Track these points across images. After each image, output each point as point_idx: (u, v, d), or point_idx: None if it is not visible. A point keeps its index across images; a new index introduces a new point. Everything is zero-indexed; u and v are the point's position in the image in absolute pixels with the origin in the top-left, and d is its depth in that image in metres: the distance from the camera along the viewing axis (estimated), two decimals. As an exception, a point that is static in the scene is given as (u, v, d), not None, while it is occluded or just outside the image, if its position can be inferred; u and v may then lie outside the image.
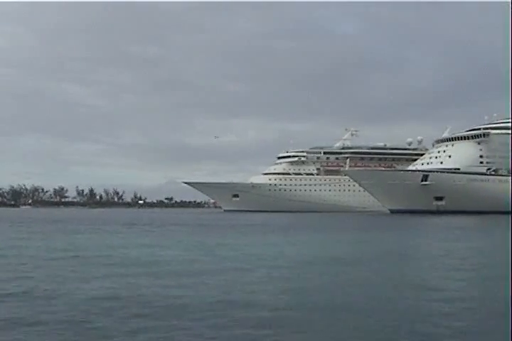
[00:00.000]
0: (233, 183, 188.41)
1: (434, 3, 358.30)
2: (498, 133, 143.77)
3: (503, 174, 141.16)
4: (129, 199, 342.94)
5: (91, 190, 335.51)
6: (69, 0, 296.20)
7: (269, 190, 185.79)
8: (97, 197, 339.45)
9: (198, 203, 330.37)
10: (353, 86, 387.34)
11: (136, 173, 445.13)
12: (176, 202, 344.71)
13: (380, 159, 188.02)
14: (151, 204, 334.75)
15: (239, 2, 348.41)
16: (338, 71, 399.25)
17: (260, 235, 50.09)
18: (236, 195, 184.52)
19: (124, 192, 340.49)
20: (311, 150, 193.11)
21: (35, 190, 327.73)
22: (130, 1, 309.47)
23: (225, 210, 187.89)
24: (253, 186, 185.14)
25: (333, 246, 38.64)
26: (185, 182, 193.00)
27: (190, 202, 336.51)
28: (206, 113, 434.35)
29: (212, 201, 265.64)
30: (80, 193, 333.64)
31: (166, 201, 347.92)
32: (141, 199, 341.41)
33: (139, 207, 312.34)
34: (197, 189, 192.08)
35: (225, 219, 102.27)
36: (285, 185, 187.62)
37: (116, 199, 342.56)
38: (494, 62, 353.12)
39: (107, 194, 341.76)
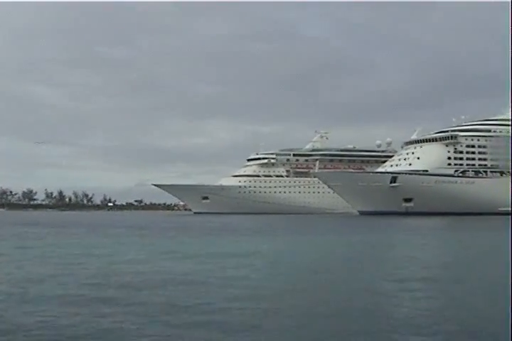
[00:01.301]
0: (203, 185, 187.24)
1: (404, 6, 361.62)
2: (465, 136, 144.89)
3: (470, 176, 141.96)
4: (98, 202, 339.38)
5: (60, 193, 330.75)
6: (39, 0, 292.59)
7: (239, 192, 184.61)
8: (67, 199, 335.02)
9: (168, 205, 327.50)
10: (323, 88, 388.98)
11: (106, 175, 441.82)
12: (145, 204, 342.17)
13: (349, 161, 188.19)
14: (121, 207, 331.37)
15: (213, 4, 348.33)
16: (309, 74, 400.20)
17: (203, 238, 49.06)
18: (206, 197, 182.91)
19: (93, 194, 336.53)
20: (281, 153, 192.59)
21: (4, 192, 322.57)
22: (103, 2, 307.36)
23: (195, 212, 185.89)
24: (223, 188, 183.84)
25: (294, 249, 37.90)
26: (155, 185, 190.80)
27: (160, 204, 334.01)
28: (177, 115, 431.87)
29: (182, 203, 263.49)
30: (49, 196, 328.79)
31: (135, 203, 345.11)
32: (110, 202, 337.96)
33: (108, 210, 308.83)
34: (167, 191, 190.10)
35: (180, 222, 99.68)
36: (255, 187, 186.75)
37: (85, 201, 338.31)
38: (462, 65, 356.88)
39: (76, 196, 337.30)
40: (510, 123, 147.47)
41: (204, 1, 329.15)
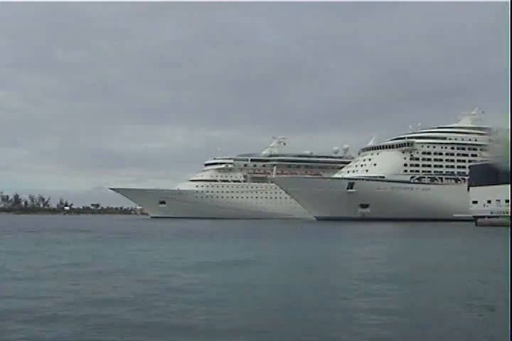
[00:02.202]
0: (160, 190, 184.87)
1: (361, 14, 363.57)
2: (421, 143, 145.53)
3: (426, 182, 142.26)
4: (55, 206, 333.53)
5: (16, 196, 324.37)
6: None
7: (196, 196, 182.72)
8: (22, 203, 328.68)
9: (125, 209, 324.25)
10: (279, 94, 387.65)
11: (62, 179, 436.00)
12: (102, 208, 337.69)
13: (306, 167, 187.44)
14: (78, 211, 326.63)
15: (168, 9, 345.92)
16: (265, 80, 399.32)
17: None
18: (163, 202, 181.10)
19: (49, 198, 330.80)
20: (238, 158, 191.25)
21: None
22: (57, 5, 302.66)
23: (152, 217, 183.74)
24: (180, 193, 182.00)
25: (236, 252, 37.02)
26: (112, 189, 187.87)
27: (116, 208, 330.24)
28: (132, 119, 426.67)
29: (139, 207, 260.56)
30: (5, 199, 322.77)
31: (92, 207, 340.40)
32: (67, 206, 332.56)
33: (64, 214, 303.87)
34: (124, 195, 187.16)
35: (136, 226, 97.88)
36: (212, 191, 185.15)
37: (41, 205, 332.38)
38: (416, 72, 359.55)
39: (33, 200, 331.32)
40: (465, 131, 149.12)
41: (158, 6, 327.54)
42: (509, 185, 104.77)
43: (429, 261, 31.58)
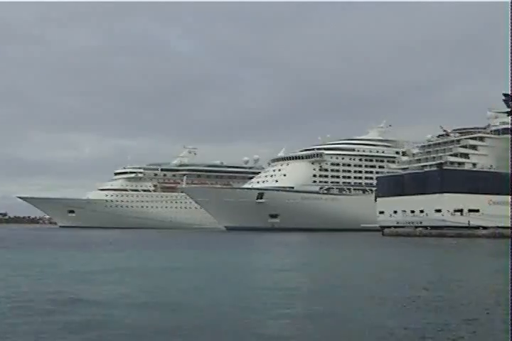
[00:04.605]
0: (69, 199, 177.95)
1: (272, 26, 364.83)
2: (330, 154, 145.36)
3: (334, 193, 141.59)
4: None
5: None
6: None
7: (106, 206, 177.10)
8: None
9: (33, 219, 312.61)
10: (190, 105, 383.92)
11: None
12: (9, 217, 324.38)
13: (216, 177, 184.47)
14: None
15: (80, 17, 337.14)
16: (176, 89, 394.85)
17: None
18: (72, 211, 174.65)
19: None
20: (148, 167, 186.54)
21: None
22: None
23: (60, 226, 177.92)
24: (89, 202, 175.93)
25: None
26: (20, 197, 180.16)
27: (24, 217, 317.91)
28: (42, 126, 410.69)
29: (47, 217, 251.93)
30: None
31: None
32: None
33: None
34: (32, 204, 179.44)
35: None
36: (122, 201, 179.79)
37: None
38: (327, 84, 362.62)
39: None
40: (373, 143, 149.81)
41: (70, 11, 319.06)
42: (417, 196, 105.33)
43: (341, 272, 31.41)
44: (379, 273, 30.56)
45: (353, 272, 31.79)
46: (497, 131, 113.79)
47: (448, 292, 21.87)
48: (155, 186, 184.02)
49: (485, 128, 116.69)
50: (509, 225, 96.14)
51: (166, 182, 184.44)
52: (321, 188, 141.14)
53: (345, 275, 29.28)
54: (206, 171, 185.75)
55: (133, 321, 15.13)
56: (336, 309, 17.45)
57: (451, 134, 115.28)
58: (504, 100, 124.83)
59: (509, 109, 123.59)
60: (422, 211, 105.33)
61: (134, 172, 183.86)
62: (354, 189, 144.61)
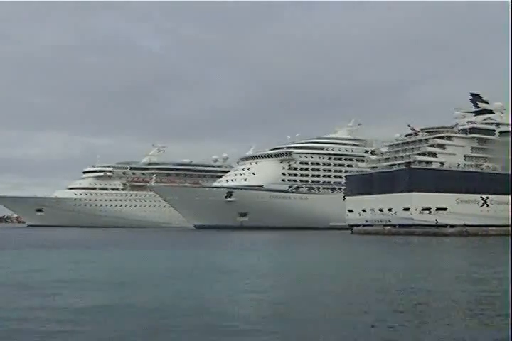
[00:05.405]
0: (37, 197, 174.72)
1: (242, 26, 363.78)
2: (299, 153, 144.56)
3: (303, 192, 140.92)
4: None
5: None
6: None
7: (75, 204, 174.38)
8: None
9: (1, 218, 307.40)
10: (159, 102, 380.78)
11: None
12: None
13: (186, 175, 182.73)
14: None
15: (47, 14, 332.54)
16: (145, 88, 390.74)
17: None
18: (40, 210, 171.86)
19: None
20: (117, 166, 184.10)
21: None
22: None
23: (28, 225, 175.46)
24: (58, 201, 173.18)
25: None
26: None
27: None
28: (10, 124, 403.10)
29: (15, 216, 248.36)
30: None
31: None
32: None
33: None
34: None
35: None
36: (91, 200, 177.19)
37: None
38: (297, 84, 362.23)
39: None
40: (342, 142, 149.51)
41: (38, 8, 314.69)
42: (385, 195, 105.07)
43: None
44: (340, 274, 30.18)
45: (318, 272, 31.03)
46: (464, 131, 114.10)
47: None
48: (124, 185, 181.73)
49: (452, 128, 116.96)
50: (476, 223, 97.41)
51: (135, 181, 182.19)
52: (290, 187, 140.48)
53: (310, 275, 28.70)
54: (175, 170, 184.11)
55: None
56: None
57: (420, 133, 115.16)
58: (471, 100, 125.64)
59: (476, 109, 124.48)
60: (390, 209, 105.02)
61: (103, 171, 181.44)
62: (323, 188, 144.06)
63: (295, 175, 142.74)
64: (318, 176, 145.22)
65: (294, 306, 18.15)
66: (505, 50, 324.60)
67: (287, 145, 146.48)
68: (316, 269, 32.49)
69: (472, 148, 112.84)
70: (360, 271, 31.60)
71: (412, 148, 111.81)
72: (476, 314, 16.43)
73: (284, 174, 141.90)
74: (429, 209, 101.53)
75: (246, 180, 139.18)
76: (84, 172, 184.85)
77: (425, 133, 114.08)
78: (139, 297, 19.82)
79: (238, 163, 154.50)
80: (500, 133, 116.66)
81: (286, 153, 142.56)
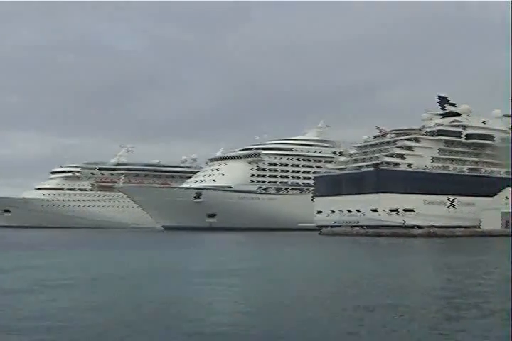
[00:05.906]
0: (4, 198, 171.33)
1: (216, 26, 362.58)
2: (268, 154, 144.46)
3: (272, 193, 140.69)
4: None
5: None
6: None
7: (42, 205, 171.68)
8: None
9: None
10: (130, 103, 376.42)
11: None
12: None
13: (154, 176, 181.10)
14: None
15: (20, 12, 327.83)
16: (117, 87, 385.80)
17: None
18: (7, 210, 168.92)
19: None
20: (85, 166, 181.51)
21: None
22: None
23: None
24: (26, 201, 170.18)
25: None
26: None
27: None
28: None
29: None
30: None
31: None
32: None
33: None
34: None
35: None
36: (59, 200, 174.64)
37: None
38: (269, 84, 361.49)
39: None
40: (310, 143, 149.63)
41: (14, 10, 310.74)
42: (353, 196, 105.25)
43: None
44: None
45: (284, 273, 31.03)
46: (432, 133, 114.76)
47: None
48: (92, 185, 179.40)
49: (420, 130, 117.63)
50: (443, 225, 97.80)
51: (103, 182, 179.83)
52: (258, 188, 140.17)
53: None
54: (144, 170, 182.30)
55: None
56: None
57: (388, 135, 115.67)
58: (439, 102, 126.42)
59: (443, 111, 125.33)
60: (358, 211, 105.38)
61: (71, 171, 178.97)
62: (292, 189, 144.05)
63: (264, 176, 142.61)
64: (286, 177, 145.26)
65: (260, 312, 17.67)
66: (476, 50, 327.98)
67: (256, 146, 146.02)
68: (282, 270, 32.32)
69: (439, 149, 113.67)
70: (325, 272, 31.60)
71: (380, 150, 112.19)
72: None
73: (252, 175, 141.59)
74: (396, 210, 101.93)
75: (215, 180, 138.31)
76: (52, 173, 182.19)
77: (393, 135, 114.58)
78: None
79: (207, 163, 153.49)
80: (467, 135, 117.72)
81: (255, 154, 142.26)
